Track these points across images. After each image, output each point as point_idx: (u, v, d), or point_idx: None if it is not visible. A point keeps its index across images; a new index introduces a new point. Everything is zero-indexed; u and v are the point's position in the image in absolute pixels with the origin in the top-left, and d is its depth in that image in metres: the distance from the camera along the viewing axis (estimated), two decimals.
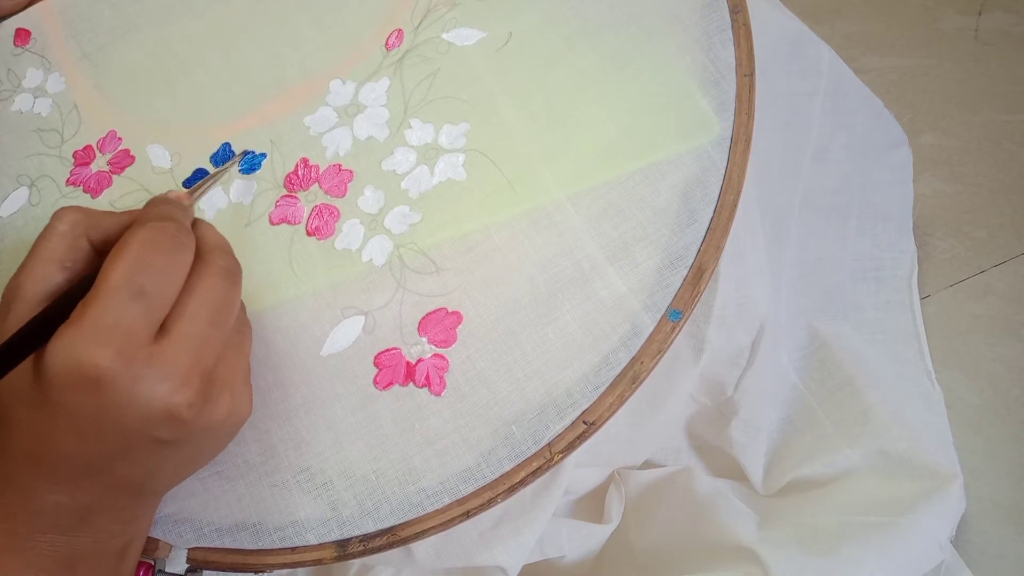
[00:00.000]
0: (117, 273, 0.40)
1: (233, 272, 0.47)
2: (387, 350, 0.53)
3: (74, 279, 0.44)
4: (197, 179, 0.60)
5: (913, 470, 0.80)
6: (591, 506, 0.84)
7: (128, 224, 0.45)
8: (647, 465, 0.85)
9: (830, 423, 0.85)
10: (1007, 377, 0.90)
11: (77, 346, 0.39)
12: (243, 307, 0.52)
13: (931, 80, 1.10)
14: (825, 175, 0.85)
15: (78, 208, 0.45)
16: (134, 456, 0.43)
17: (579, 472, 0.82)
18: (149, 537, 0.52)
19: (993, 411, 0.89)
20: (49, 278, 0.44)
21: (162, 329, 0.42)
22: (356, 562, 0.71)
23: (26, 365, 0.40)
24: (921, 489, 0.77)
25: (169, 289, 0.42)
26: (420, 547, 0.62)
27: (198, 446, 0.46)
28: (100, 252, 0.45)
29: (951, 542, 0.80)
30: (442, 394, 0.52)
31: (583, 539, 0.80)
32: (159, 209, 0.46)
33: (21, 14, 0.69)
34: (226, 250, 0.48)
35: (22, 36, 0.68)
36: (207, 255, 0.45)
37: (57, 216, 0.45)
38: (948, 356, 0.92)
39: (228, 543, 0.52)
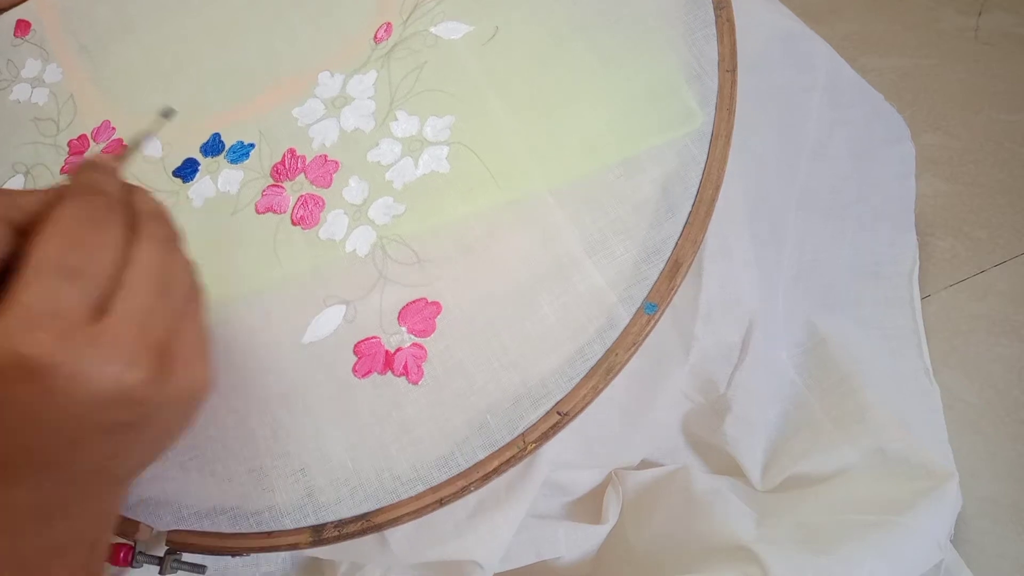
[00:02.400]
0: (46, 254, 0.38)
1: (171, 239, 0.44)
2: (367, 339, 0.54)
3: None
4: (187, 168, 0.61)
5: (910, 469, 0.79)
6: (589, 507, 0.84)
7: (51, 201, 0.41)
8: (644, 464, 0.85)
9: (828, 420, 0.85)
10: (1007, 377, 0.90)
11: (13, 335, 0.36)
12: (194, 271, 0.47)
13: (931, 80, 1.10)
14: (824, 172, 0.85)
15: None
16: (92, 444, 0.40)
17: (576, 473, 0.82)
18: (129, 519, 0.53)
19: (993, 411, 0.88)
20: None
21: (103, 307, 0.39)
22: (344, 563, 0.71)
23: None
24: (919, 488, 0.77)
25: (103, 266, 0.39)
26: (395, 537, 0.62)
27: (161, 424, 0.43)
28: (24, 234, 0.41)
29: (951, 541, 0.79)
30: (419, 383, 0.53)
31: (580, 540, 0.80)
32: (85, 178, 0.43)
33: (22, 6, 0.70)
34: (162, 217, 0.44)
35: (22, 27, 0.69)
36: (142, 225, 0.42)
37: None
38: (948, 356, 0.92)
39: (207, 526, 0.53)
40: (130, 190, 0.45)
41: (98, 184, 0.42)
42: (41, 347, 0.36)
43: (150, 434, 0.43)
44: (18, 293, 0.37)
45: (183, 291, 0.44)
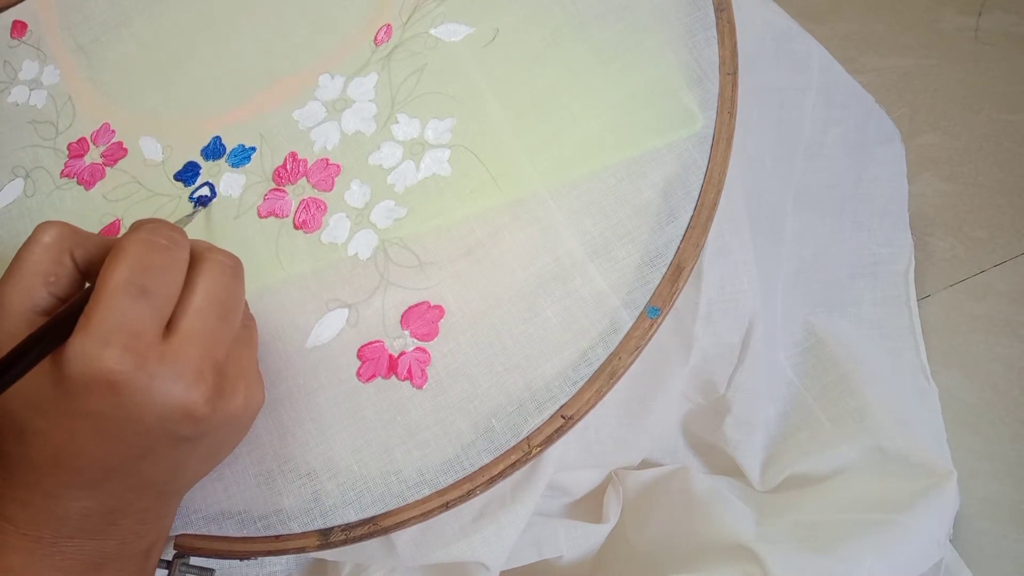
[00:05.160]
0: (118, 275, 0.40)
1: (233, 267, 0.46)
2: (370, 343, 0.54)
3: (57, 294, 0.44)
4: (188, 172, 0.61)
5: (910, 467, 0.79)
6: (589, 507, 0.84)
7: (111, 245, 0.44)
8: (644, 465, 0.85)
9: (826, 420, 0.85)
10: (1007, 377, 0.90)
11: (90, 350, 0.39)
12: (247, 303, 0.52)
13: (931, 80, 1.10)
14: (819, 170, 0.85)
15: (63, 223, 0.45)
16: (156, 455, 0.43)
17: (577, 474, 0.82)
18: None
19: (992, 411, 0.89)
20: (33, 292, 0.43)
21: (169, 327, 0.42)
22: (348, 564, 0.71)
23: (39, 375, 0.40)
24: (918, 487, 0.77)
25: (170, 287, 0.42)
26: (401, 540, 0.62)
27: (217, 440, 0.47)
28: (82, 272, 0.45)
29: (950, 541, 0.79)
30: (424, 387, 0.53)
31: (580, 539, 0.80)
32: (146, 220, 0.45)
33: (18, 6, 0.70)
34: (222, 250, 0.47)
35: (18, 28, 0.69)
36: (205, 252, 0.45)
37: (41, 229, 0.44)
38: (948, 356, 0.92)
39: (214, 530, 0.53)
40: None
41: (159, 221, 0.45)
42: (115, 362, 0.39)
43: (207, 449, 0.47)
44: (92, 312, 0.40)
45: (241, 316, 0.47)
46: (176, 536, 0.53)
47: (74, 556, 0.43)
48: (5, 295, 0.42)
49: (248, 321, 0.51)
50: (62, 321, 0.40)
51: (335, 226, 0.57)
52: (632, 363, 0.51)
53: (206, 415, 0.42)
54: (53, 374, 0.40)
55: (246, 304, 0.52)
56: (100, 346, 0.39)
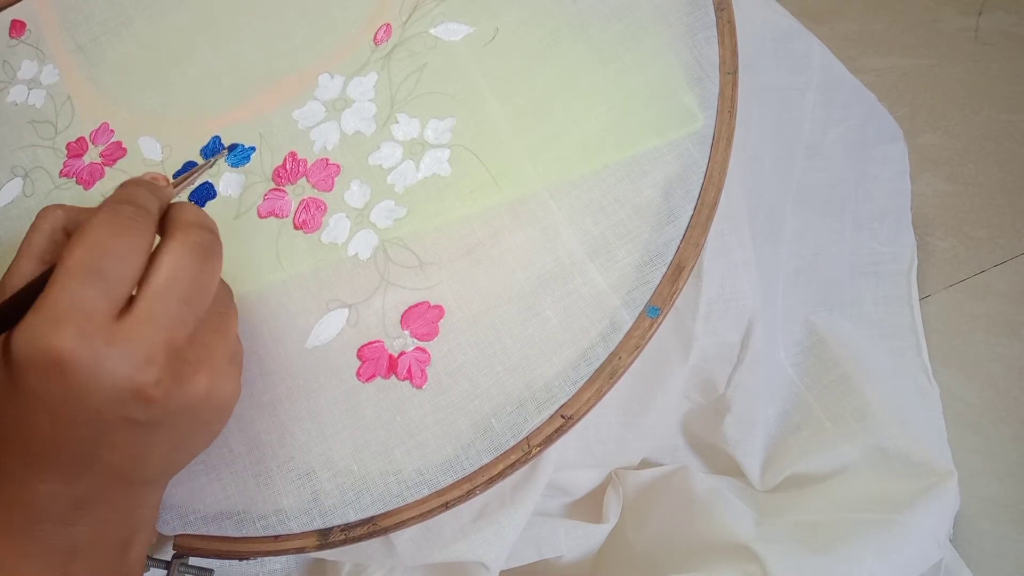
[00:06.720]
0: (73, 257, 0.40)
1: (205, 247, 0.45)
2: (370, 343, 0.54)
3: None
4: (187, 172, 0.61)
5: (910, 467, 0.79)
6: (589, 507, 0.84)
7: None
8: (644, 464, 0.85)
9: (827, 419, 0.85)
10: (1007, 377, 0.90)
11: (38, 330, 0.39)
12: (229, 290, 0.51)
13: (931, 80, 1.10)
14: (819, 170, 0.85)
15: (60, 206, 0.46)
16: (112, 440, 0.42)
17: (576, 473, 0.82)
18: None
19: (993, 411, 0.89)
20: (30, 273, 0.44)
21: (126, 308, 0.41)
22: (348, 564, 0.71)
23: None
24: (918, 486, 0.77)
25: (127, 269, 0.41)
26: (401, 540, 0.62)
27: (180, 428, 0.45)
28: None
29: (950, 541, 0.79)
30: (423, 387, 0.53)
31: (580, 539, 0.80)
32: (123, 192, 0.45)
33: (17, 5, 0.70)
34: (202, 226, 0.46)
35: (17, 28, 0.69)
36: (179, 232, 0.44)
37: (41, 215, 0.46)
38: (948, 356, 0.92)
39: (213, 531, 0.53)
40: (177, 204, 0.47)
41: (132, 197, 0.44)
42: (63, 342, 0.39)
43: (169, 438, 0.45)
44: (47, 293, 0.40)
45: (210, 301, 0.46)
46: (175, 536, 0.53)
47: (45, 542, 0.43)
48: (7, 278, 0.44)
49: (224, 308, 0.49)
50: (17, 303, 0.41)
51: (335, 226, 0.57)
52: (632, 363, 0.51)
53: (156, 398, 0.41)
54: (4, 355, 0.40)
55: (229, 292, 0.51)
56: (50, 326, 0.39)
